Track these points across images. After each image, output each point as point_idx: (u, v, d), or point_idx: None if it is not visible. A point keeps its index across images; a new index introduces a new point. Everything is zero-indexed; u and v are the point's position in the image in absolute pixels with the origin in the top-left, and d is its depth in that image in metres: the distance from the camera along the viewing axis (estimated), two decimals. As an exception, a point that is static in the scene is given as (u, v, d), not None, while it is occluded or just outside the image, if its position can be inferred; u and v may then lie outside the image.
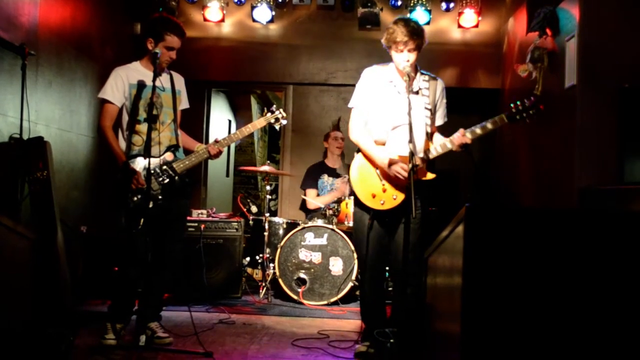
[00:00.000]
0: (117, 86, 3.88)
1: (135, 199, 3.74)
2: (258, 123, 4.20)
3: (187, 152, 4.11)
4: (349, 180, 3.95)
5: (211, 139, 4.09)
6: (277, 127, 4.27)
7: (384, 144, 3.75)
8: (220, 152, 4.08)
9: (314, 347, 4.00)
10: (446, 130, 3.86)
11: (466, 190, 6.53)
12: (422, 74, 3.82)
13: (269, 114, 4.22)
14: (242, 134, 4.16)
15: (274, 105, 4.29)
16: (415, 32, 3.60)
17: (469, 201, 2.41)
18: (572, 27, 4.56)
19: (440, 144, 3.73)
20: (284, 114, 4.25)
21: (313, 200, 6.28)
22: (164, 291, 4.10)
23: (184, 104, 4.19)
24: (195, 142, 4.22)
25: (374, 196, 3.74)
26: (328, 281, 5.48)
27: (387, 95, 3.75)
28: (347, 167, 6.02)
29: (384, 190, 3.72)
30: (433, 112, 3.80)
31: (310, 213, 6.35)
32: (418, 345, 3.32)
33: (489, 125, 3.63)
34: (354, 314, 5.07)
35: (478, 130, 3.65)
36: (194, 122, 7.26)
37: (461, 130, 3.66)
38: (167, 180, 3.86)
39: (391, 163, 3.62)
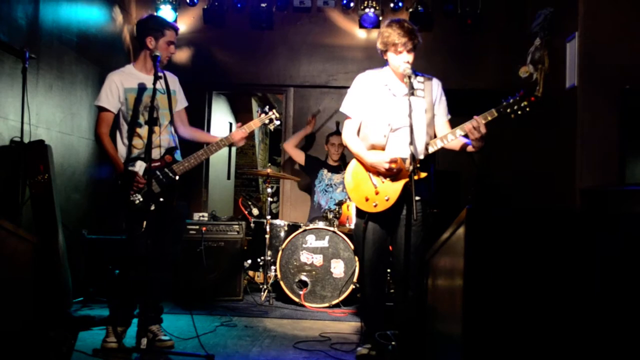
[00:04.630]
0: (112, 92, 3.88)
1: (137, 201, 3.75)
2: (253, 124, 4.20)
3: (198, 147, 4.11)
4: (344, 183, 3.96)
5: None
6: (271, 127, 4.28)
7: (382, 148, 3.73)
8: (244, 136, 4.10)
9: (315, 350, 3.99)
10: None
11: (467, 191, 6.51)
12: (416, 75, 3.80)
13: (262, 115, 4.25)
14: None
15: (267, 107, 4.31)
16: (411, 32, 3.60)
17: (470, 203, 2.41)
18: (573, 28, 4.55)
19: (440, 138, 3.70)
20: (277, 115, 4.26)
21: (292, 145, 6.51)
22: (164, 293, 4.10)
23: (182, 102, 4.18)
24: (213, 136, 4.24)
25: (367, 199, 3.74)
26: (329, 283, 5.47)
27: (383, 99, 3.75)
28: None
29: (377, 193, 3.72)
30: (432, 112, 3.78)
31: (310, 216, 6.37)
32: (420, 347, 3.32)
33: (480, 120, 3.60)
34: (356, 317, 5.07)
35: (468, 126, 3.62)
36: (195, 124, 7.18)
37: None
38: (167, 182, 3.86)
39: (374, 157, 3.66)
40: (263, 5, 7.08)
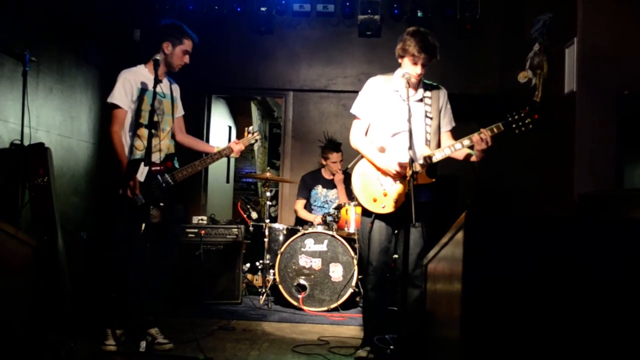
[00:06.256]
0: (126, 90, 3.89)
1: (140, 203, 3.76)
2: (242, 143, 4.24)
3: (197, 154, 4.13)
4: (351, 187, 3.96)
5: (211, 144, 4.14)
6: (255, 147, 4.36)
7: (384, 151, 3.78)
8: (242, 149, 4.22)
9: (314, 354, 3.99)
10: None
11: (466, 197, 6.52)
12: (425, 83, 3.87)
13: (249, 136, 4.29)
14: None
15: (250, 127, 4.36)
16: (431, 49, 3.67)
17: (468, 208, 2.42)
18: (572, 34, 4.56)
19: (448, 146, 3.74)
20: (257, 138, 4.35)
21: (302, 212, 6.33)
22: (162, 296, 4.11)
23: (180, 110, 4.22)
24: (210, 145, 4.31)
25: (375, 200, 3.78)
26: (328, 287, 5.48)
27: (391, 103, 3.80)
28: (347, 175, 6.02)
29: (385, 195, 3.76)
30: (438, 120, 3.83)
31: (301, 223, 6.34)
32: (418, 351, 3.32)
33: (487, 133, 3.67)
34: (354, 320, 5.07)
35: (475, 137, 3.68)
36: (194, 128, 7.28)
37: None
38: (167, 188, 3.88)
39: (385, 160, 3.73)
40: (263, 9, 7.10)
